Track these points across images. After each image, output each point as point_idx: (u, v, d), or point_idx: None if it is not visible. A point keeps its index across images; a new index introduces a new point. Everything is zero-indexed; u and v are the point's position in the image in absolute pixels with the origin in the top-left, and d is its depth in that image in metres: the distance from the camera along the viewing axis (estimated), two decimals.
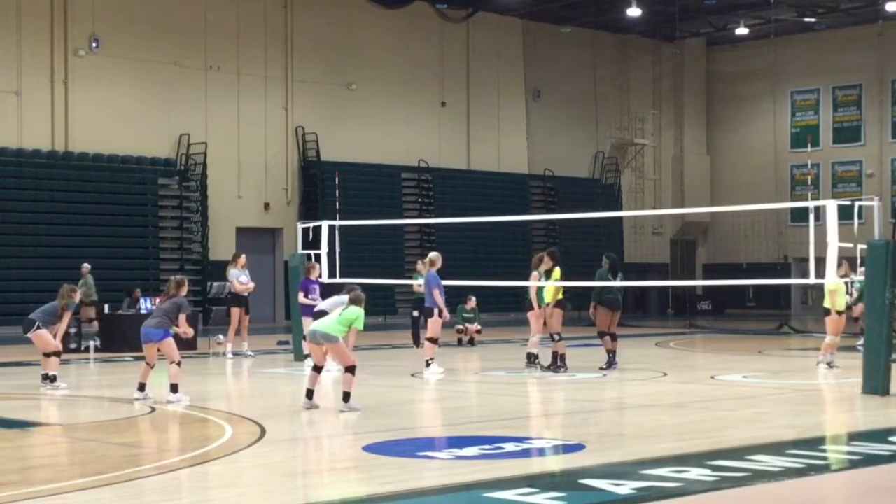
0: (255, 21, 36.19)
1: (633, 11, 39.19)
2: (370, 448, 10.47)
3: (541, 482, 8.80)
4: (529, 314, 18.49)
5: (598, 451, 10.31)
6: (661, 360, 21.41)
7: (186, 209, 34.30)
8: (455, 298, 30.73)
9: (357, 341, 15.86)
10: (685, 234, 47.44)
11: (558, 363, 18.09)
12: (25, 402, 14.99)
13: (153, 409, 13.57)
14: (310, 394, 13.35)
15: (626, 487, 8.43)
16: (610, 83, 45.58)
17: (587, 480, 8.73)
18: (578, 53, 44.13)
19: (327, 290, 19.52)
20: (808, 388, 16.41)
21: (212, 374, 19.13)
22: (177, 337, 14.60)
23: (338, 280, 20.03)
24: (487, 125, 41.76)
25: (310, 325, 19.05)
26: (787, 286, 44.07)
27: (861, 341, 19.06)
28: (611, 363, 18.50)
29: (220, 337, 21.93)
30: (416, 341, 23.68)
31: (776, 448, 10.12)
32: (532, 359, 18.59)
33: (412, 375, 17.74)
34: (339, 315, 13.38)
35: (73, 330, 22.60)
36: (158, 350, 14.39)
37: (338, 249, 20.32)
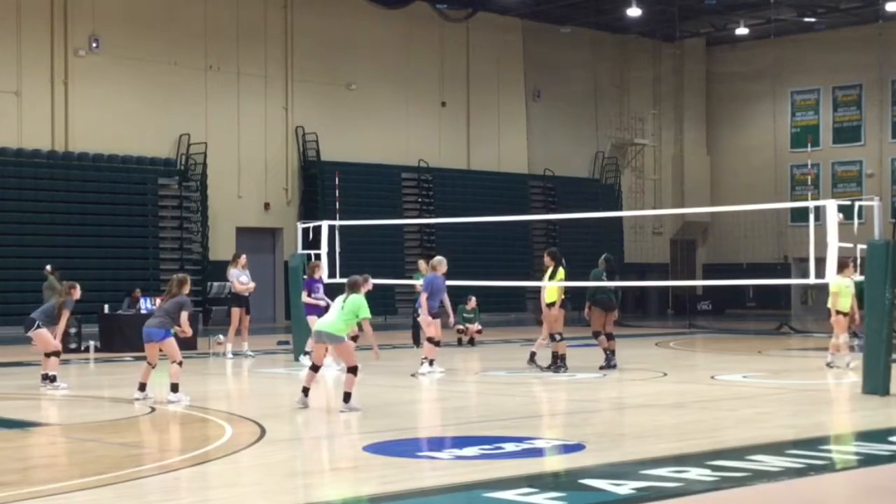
0: (255, 21, 36.19)
1: (633, 11, 39.19)
2: (370, 448, 10.47)
3: (541, 482, 8.80)
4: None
5: (598, 451, 10.31)
6: (661, 360, 21.41)
7: (186, 209, 34.30)
8: (455, 298, 30.73)
9: (356, 341, 15.85)
10: (685, 234, 47.43)
11: (559, 363, 18.09)
12: (25, 402, 14.99)
13: (153, 409, 13.57)
14: (305, 391, 13.35)
15: (626, 487, 8.43)
16: (610, 83, 45.58)
17: (587, 480, 8.72)
18: (578, 53, 44.11)
19: (328, 290, 19.55)
20: (808, 388, 16.41)
21: (212, 374, 19.13)
22: (175, 336, 14.60)
23: (338, 280, 20.02)
24: (487, 125, 41.76)
25: (315, 323, 19.22)
26: (787, 286, 44.05)
27: (858, 341, 19.14)
28: (609, 362, 18.50)
29: (221, 337, 21.92)
30: (417, 341, 23.68)
31: (776, 448, 10.12)
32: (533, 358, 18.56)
33: (412, 375, 17.74)
34: (342, 308, 13.32)
35: (73, 330, 22.61)
36: (160, 350, 14.39)
37: (338, 249, 20.32)
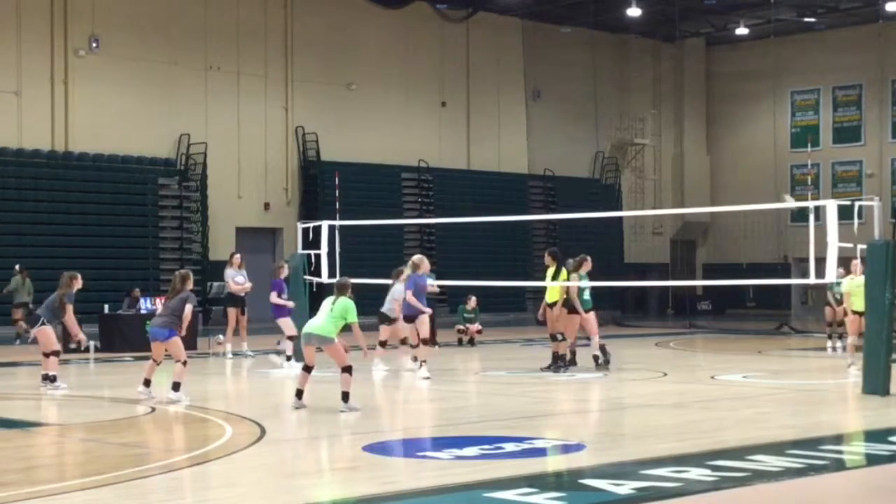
0: (255, 21, 36.18)
1: (633, 11, 39.19)
2: (370, 448, 10.47)
3: (541, 482, 8.80)
4: (588, 317, 18.07)
5: (598, 451, 10.31)
6: (661, 360, 21.41)
7: (186, 209, 34.30)
8: (455, 298, 30.76)
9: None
10: (685, 234, 47.43)
11: (559, 363, 18.07)
12: (25, 402, 15.00)
13: (153, 409, 13.58)
14: (299, 394, 13.36)
15: (626, 487, 8.43)
16: (610, 83, 45.57)
17: (587, 480, 8.73)
18: (578, 53, 44.10)
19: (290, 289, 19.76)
20: (808, 388, 16.42)
21: (212, 374, 19.13)
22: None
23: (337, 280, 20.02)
24: (487, 125, 41.76)
25: (286, 325, 19.35)
26: (787, 286, 44.05)
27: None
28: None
29: (220, 337, 21.92)
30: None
31: (776, 448, 10.12)
32: (597, 360, 18.31)
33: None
34: (331, 310, 13.33)
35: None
36: (166, 350, 14.42)
37: (338, 249, 20.31)
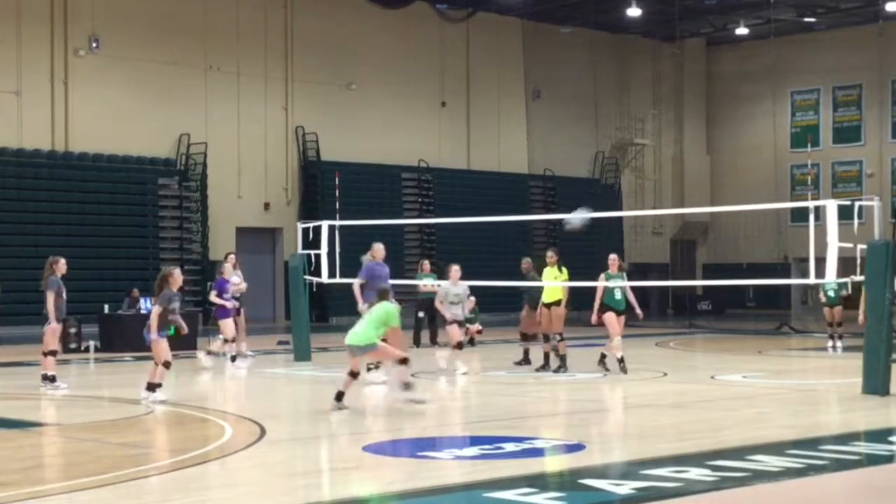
0: (255, 21, 36.19)
1: (633, 11, 39.20)
2: (370, 448, 10.47)
3: (541, 482, 8.80)
4: (605, 317, 17.91)
5: (598, 451, 10.31)
6: (661, 360, 21.40)
7: (186, 209, 34.30)
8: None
9: None
10: (685, 234, 47.43)
11: (562, 364, 18.05)
12: (25, 402, 14.99)
13: (153, 410, 13.57)
14: (339, 396, 13.18)
15: (626, 487, 8.43)
16: (610, 83, 45.57)
17: (587, 480, 8.72)
18: (578, 53, 44.10)
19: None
20: (808, 388, 16.41)
21: (212, 374, 19.11)
22: (177, 333, 14.63)
23: (338, 280, 20.04)
24: (487, 125, 41.75)
25: (226, 326, 19.39)
26: (787, 286, 44.06)
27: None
28: (524, 362, 18.68)
29: (220, 337, 21.85)
30: (417, 341, 23.76)
31: (776, 448, 10.12)
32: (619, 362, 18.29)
33: (412, 375, 17.68)
34: (371, 317, 13.32)
35: (72, 330, 22.60)
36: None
37: (338, 249, 20.31)
